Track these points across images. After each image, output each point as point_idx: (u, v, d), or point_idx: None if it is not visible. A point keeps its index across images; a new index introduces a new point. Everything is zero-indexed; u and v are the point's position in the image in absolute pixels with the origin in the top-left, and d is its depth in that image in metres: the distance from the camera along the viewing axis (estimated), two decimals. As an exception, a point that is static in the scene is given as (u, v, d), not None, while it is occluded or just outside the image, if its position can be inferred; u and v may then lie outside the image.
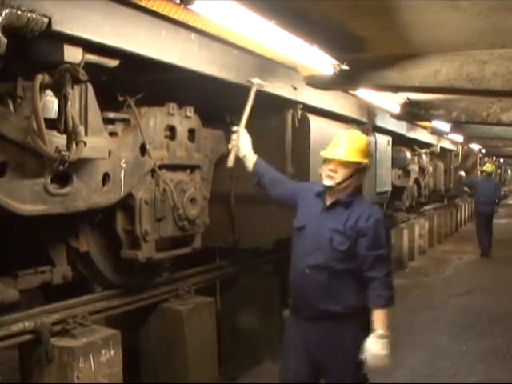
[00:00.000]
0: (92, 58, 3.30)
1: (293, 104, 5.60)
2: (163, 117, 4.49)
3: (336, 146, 3.51)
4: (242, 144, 3.90)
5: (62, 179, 3.49)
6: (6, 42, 2.67)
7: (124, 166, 4.02)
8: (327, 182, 3.45)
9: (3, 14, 2.68)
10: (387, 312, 3.39)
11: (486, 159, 23.54)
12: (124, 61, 3.57)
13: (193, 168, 4.88)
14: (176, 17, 3.67)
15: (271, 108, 5.39)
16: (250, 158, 3.91)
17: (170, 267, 5.40)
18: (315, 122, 5.87)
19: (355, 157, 3.48)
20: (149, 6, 3.48)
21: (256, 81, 4.14)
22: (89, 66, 3.31)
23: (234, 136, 3.94)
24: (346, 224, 3.45)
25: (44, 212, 3.38)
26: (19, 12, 2.75)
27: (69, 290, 4.40)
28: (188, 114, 4.74)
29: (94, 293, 4.70)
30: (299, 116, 5.66)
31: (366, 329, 3.36)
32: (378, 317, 3.36)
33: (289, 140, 5.62)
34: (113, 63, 3.49)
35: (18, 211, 3.21)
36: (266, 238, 5.73)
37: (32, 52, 3.13)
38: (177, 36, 3.82)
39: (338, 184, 3.47)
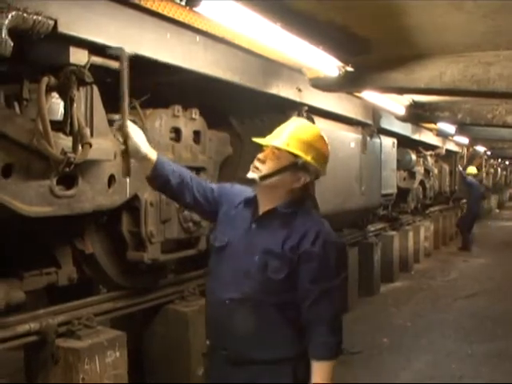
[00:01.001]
0: (97, 59, 3.31)
1: (298, 106, 5.61)
2: (168, 119, 4.50)
3: (276, 133, 2.74)
4: (136, 141, 2.77)
5: (68, 181, 3.50)
6: (12, 44, 2.68)
7: (129, 167, 4.01)
8: (250, 175, 2.66)
9: (9, 17, 2.69)
10: (331, 364, 2.58)
11: (491, 161, 23.52)
12: (129, 62, 3.58)
13: (198, 170, 4.87)
14: (181, 19, 3.68)
15: (276, 110, 5.40)
16: (150, 157, 2.83)
17: (175, 269, 5.40)
18: (320, 124, 5.89)
19: (293, 147, 2.64)
20: (154, 7, 3.49)
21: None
22: (94, 68, 3.33)
23: (117, 135, 2.83)
24: (285, 244, 2.59)
25: (50, 213, 3.39)
26: (25, 14, 2.76)
27: (74, 291, 4.41)
28: (193, 116, 4.75)
29: (99, 294, 4.70)
30: (304, 118, 5.66)
31: (303, 381, 2.60)
32: (320, 370, 2.56)
33: (293, 142, 5.62)
34: (118, 65, 3.50)
35: (23, 212, 3.22)
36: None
37: (38, 54, 3.14)
38: (182, 38, 3.83)
39: (263, 178, 2.64)
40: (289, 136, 2.68)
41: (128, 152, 2.77)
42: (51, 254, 4.15)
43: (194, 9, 3.42)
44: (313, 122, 5.73)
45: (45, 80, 3.11)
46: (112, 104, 3.85)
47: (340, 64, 5.00)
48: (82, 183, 3.56)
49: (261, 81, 4.81)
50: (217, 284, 2.74)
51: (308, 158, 2.65)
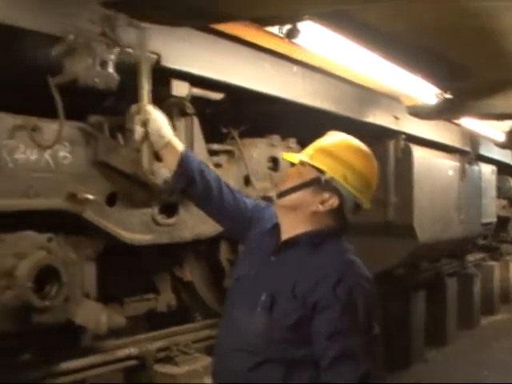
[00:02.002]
0: (198, 91, 3.40)
1: (395, 134, 5.56)
2: (266, 148, 4.53)
3: (307, 148, 2.31)
4: (159, 124, 2.49)
5: (169, 209, 3.58)
6: (117, 78, 2.80)
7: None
8: (271, 193, 2.31)
9: (115, 52, 2.81)
10: None
11: None
12: (228, 93, 3.65)
13: (295, 198, 4.85)
14: (279, 50, 3.73)
15: (373, 138, 5.36)
16: (175, 146, 2.50)
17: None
18: (418, 152, 5.81)
19: (316, 160, 2.19)
20: (253, 40, 3.55)
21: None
22: (194, 99, 3.41)
23: (136, 119, 2.53)
24: (298, 285, 2.08)
25: (151, 241, 3.48)
26: (130, 50, 2.88)
27: (170, 317, 4.48)
28: (290, 145, 4.76)
29: (195, 321, 4.75)
30: (401, 146, 5.61)
31: None
32: None
33: (391, 170, 5.58)
34: (217, 96, 3.58)
35: (126, 240, 3.31)
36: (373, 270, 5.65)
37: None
38: (280, 68, 3.88)
39: (280, 195, 2.24)
40: (316, 148, 2.25)
41: (149, 137, 2.49)
42: (151, 280, 4.24)
43: (293, 40, 3.47)
44: (410, 149, 5.67)
45: (148, 112, 3.20)
46: (213, 134, 3.94)
47: (438, 91, 4.93)
48: (182, 212, 3.63)
49: (356, 109, 4.80)
50: (222, 328, 2.35)
51: (336, 176, 2.17)
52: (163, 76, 3.18)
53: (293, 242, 2.22)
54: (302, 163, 2.24)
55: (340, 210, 2.21)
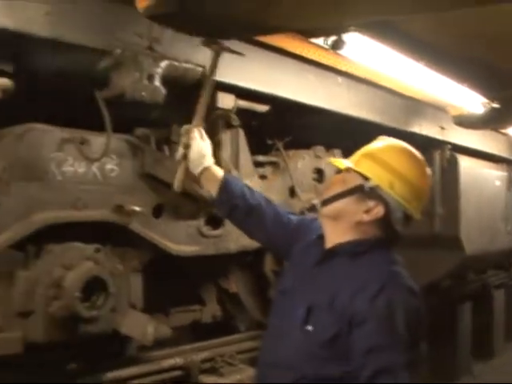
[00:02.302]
0: (243, 103, 3.41)
1: (440, 144, 5.51)
2: (311, 159, 4.52)
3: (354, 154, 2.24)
4: (197, 152, 2.47)
5: (214, 221, 3.60)
6: (164, 91, 2.83)
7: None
8: (314, 201, 2.25)
9: (162, 65, 2.84)
10: None
11: None
12: (273, 105, 3.66)
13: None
14: (324, 61, 3.73)
15: (418, 148, 5.31)
16: (215, 172, 2.50)
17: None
18: (464, 162, 5.75)
19: (361, 167, 2.11)
20: (297, 51, 3.56)
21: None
22: (240, 111, 3.43)
23: (181, 140, 2.54)
24: (337, 297, 1.98)
25: (197, 253, 3.50)
26: (176, 63, 2.91)
27: (214, 328, 4.49)
28: (335, 157, 4.75)
29: (239, 332, 4.75)
30: (447, 156, 5.55)
31: None
32: None
33: (437, 180, 5.52)
34: (263, 108, 3.59)
35: (172, 252, 3.34)
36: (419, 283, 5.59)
37: (187, 100, 3.28)
38: (324, 80, 3.88)
39: (324, 203, 2.15)
40: (362, 153, 2.16)
41: (187, 158, 2.49)
42: (196, 291, 4.25)
43: (338, 51, 3.46)
44: (456, 160, 5.61)
45: (194, 124, 3.23)
46: (258, 146, 3.95)
47: (485, 100, 4.87)
48: (228, 224, 3.63)
49: (402, 120, 4.76)
50: (263, 341, 2.29)
51: (381, 183, 2.06)
52: (209, 88, 3.20)
53: (335, 251, 2.13)
54: (348, 169, 2.15)
55: (387, 221, 2.09)
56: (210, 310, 4.28)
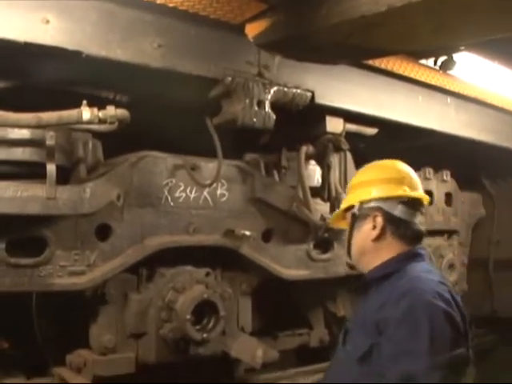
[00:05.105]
0: (352, 127, 3.40)
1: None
2: (420, 181, 4.43)
3: None
4: None
5: (323, 245, 3.59)
6: (274, 117, 2.85)
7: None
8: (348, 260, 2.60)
9: (272, 92, 2.87)
10: None
11: None
12: (381, 127, 3.62)
13: (451, 233, 4.74)
14: (433, 82, 3.67)
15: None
16: None
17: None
18: None
19: (345, 201, 2.37)
20: (406, 73, 3.52)
21: None
22: (348, 134, 3.42)
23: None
24: (367, 314, 2.08)
25: (306, 277, 3.49)
26: (285, 89, 2.93)
27: (321, 352, 4.45)
28: (444, 178, 4.65)
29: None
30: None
31: None
32: None
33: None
34: (372, 131, 3.57)
35: (282, 276, 3.34)
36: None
37: (296, 125, 3.30)
38: (433, 100, 3.81)
39: (349, 254, 2.35)
40: (346, 193, 2.44)
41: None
42: (304, 315, 4.23)
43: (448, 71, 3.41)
44: None
45: (304, 149, 3.25)
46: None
47: None
48: (337, 247, 3.62)
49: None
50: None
51: (362, 198, 2.25)
52: (318, 113, 3.21)
53: (367, 279, 2.25)
54: (343, 214, 2.40)
55: (394, 219, 2.20)
56: (318, 334, 4.24)
